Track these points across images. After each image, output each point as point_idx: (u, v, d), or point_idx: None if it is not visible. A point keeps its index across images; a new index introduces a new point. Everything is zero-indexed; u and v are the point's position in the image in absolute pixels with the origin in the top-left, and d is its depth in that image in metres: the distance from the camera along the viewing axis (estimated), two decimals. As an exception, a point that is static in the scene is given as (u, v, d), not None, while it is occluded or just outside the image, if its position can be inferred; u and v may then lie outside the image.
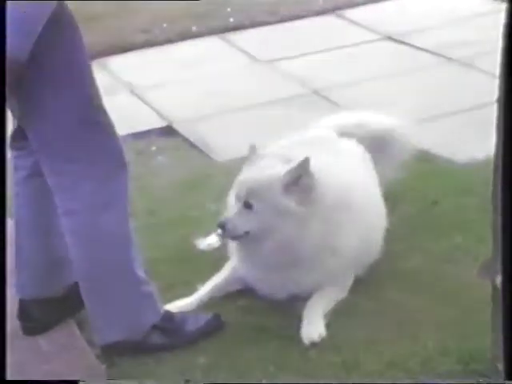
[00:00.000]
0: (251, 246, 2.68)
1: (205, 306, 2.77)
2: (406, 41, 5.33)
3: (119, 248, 2.46)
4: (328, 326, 2.62)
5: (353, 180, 2.81)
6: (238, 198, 2.65)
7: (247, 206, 2.62)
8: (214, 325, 2.60)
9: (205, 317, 2.61)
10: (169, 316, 2.56)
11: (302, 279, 2.71)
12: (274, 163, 2.69)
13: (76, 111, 2.31)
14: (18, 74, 2.14)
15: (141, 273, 2.50)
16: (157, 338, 2.51)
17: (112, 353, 2.51)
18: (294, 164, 2.60)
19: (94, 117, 2.34)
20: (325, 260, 2.70)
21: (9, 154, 2.46)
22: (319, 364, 2.46)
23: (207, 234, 3.16)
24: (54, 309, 2.50)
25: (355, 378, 2.38)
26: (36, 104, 2.29)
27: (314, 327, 2.60)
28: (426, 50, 5.11)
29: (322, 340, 2.56)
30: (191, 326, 2.57)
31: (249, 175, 2.69)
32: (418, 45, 5.22)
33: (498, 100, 1.59)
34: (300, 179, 2.59)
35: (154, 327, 2.51)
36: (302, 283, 2.71)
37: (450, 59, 4.92)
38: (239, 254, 2.79)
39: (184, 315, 2.60)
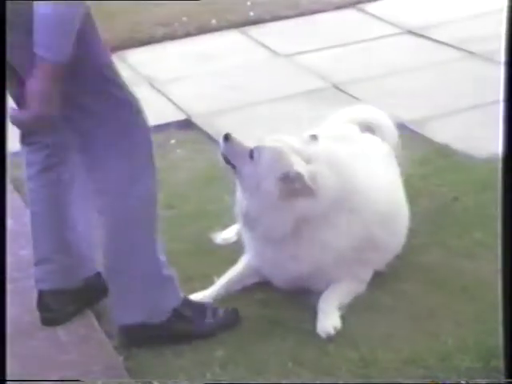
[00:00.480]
0: (242, 211, 2.72)
1: (222, 299, 2.77)
2: (427, 35, 5.30)
3: (145, 229, 2.47)
4: (346, 321, 2.62)
5: (361, 180, 2.77)
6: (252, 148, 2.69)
7: (250, 154, 2.65)
8: (231, 318, 2.61)
9: (223, 310, 2.61)
10: (189, 303, 2.57)
11: (289, 260, 2.70)
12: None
13: (98, 93, 2.31)
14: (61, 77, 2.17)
15: (162, 257, 2.51)
16: (177, 324, 2.51)
17: (129, 336, 2.52)
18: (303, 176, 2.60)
19: (117, 95, 2.35)
20: (323, 238, 2.69)
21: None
22: (337, 360, 2.45)
23: (225, 227, 3.17)
24: (73, 300, 2.51)
25: (373, 374, 2.37)
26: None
27: (329, 320, 2.60)
28: (447, 44, 5.08)
29: (340, 335, 2.55)
30: (210, 318, 2.57)
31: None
32: (438, 39, 5.20)
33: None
34: (298, 184, 2.60)
35: (175, 312, 2.51)
36: (296, 261, 2.70)
37: (471, 53, 4.89)
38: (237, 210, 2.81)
39: (203, 305, 2.60)
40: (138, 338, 2.52)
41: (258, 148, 2.66)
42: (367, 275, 2.79)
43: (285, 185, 2.59)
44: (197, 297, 2.75)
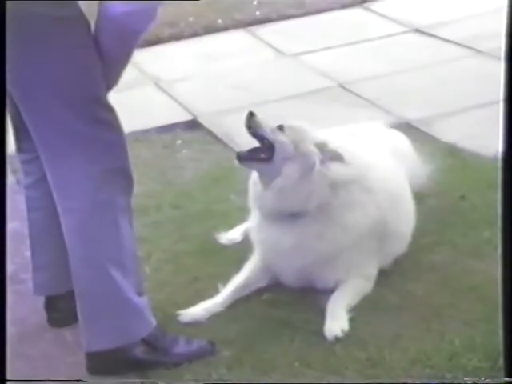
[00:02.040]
0: (261, 187, 2.70)
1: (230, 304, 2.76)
2: (434, 33, 5.30)
3: (113, 254, 2.41)
4: (353, 320, 2.61)
5: (377, 167, 2.82)
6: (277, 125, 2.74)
7: (280, 128, 2.71)
8: (206, 350, 2.52)
9: (198, 341, 2.53)
10: (160, 334, 2.49)
11: (305, 245, 2.70)
12: None
13: (77, 109, 2.28)
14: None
15: (136, 283, 2.45)
16: (141, 353, 2.45)
17: (97, 362, 2.46)
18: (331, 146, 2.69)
19: (96, 115, 2.31)
20: (327, 229, 2.70)
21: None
22: (344, 360, 2.45)
23: (231, 227, 3.17)
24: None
25: (380, 374, 2.37)
26: (35, 98, 2.27)
27: (337, 322, 2.60)
28: (454, 43, 5.08)
29: (347, 335, 2.55)
30: (181, 349, 2.50)
31: None
32: (445, 37, 5.19)
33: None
34: (327, 151, 2.67)
35: (143, 341, 2.45)
36: (306, 252, 2.71)
37: (478, 51, 4.88)
38: (252, 206, 2.82)
39: (177, 337, 2.53)
40: (105, 365, 2.45)
41: (286, 124, 2.71)
42: (373, 272, 2.78)
43: (320, 150, 2.65)
44: (205, 305, 2.72)
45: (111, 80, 2.38)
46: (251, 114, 2.68)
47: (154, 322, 2.49)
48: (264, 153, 2.66)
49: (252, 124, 2.68)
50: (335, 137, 2.81)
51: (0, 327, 1.89)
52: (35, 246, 2.69)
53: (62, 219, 2.40)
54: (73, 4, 2.23)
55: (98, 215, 2.35)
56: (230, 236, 3.15)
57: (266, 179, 2.67)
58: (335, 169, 2.66)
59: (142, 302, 2.46)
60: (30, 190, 2.63)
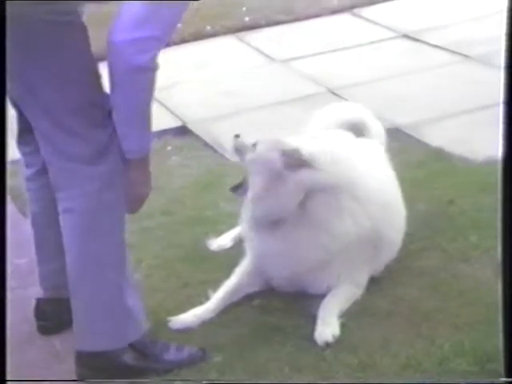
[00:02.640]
0: (246, 202, 2.77)
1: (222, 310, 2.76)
2: (422, 39, 5.32)
3: (112, 254, 2.42)
4: (344, 326, 2.62)
5: (364, 174, 2.81)
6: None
7: (254, 145, 2.78)
8: (197, 357, 2.51)
9: (189, 348, 2.53)
10: (150, 340, 2.49)
11: (292, 251, 2.72)
12: None
13: (77, 110, 2.29)
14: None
15: (129, 288, 2.45)
16: (130, 359, 2.44)
17: (86, 366, 2.45)
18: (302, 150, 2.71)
19: (94, 117, 2.32)
20: (316, 236, 2.71)
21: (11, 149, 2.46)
22: (335, 365, 2.45)
23: (221, 233, 3.17)
24: (68, 309, 2.50)
25: (371, 378, 2.37)
26: (37, 101, 2.29)
27: (327, 327, 2.60)
28: (443, 48, 5.10)
29: (338, 341, 2.55)
30: (172, 356, 2.49)
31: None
32: (434, 43, 5.21)
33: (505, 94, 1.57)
34: (299, 156, 2.68)
35: (131, 346, 2.45)
36: (294, 259, 2.72)
37: (466, 57, 4.91)
38: (243, 218, 2.85)
39: (168, 344, 2.52)
40: (94, 370, 2.44)
41: (259, 140, 2.77)
42: (364, 279, 2.79)
43: (287, 158, 2.66)
44: (196, 312, 2.71)
45: None
46: (236, 136, 2.85)
47: (144, 327, 2.49)
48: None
49: (236, 147, 2.85)
50: (321, 143, 2.82)
51: (0, 327, 1.91)
52: (38, 238, 2.69)
53: (61, 219, 2.40)
54: (73, 12, 2.24)
55: (100, 216, 2.36)
56: (220, 242, 3.16)
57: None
58: (308, 175, 2.67)
59: (138, 306, 2.46)
60: (31, 181, 2.63)
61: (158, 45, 2.23)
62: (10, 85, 2.34)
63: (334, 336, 2.57)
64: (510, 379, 1.68)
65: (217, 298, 2.77)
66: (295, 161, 2.67)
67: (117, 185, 2.38)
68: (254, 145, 2.76)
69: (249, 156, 2.76)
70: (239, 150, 2.83)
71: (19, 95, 2.34)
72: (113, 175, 2.36)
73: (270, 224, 2.72)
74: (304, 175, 2.67)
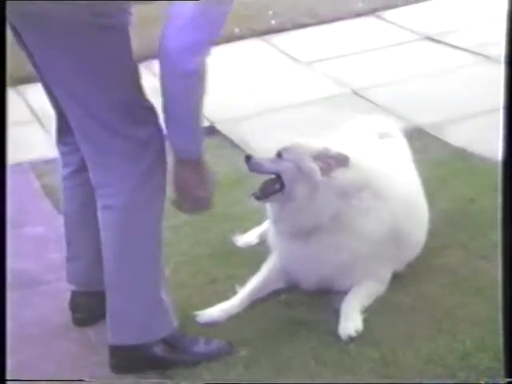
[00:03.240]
0: (276, 212, 2.72)
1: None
2: (445, 40, 5.29)
3: (147, 251, 2.42)
4: (367, 321, 2.61)
5: (387, 173, 2.80)
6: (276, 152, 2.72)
7: (278, 155, 2.69)
8: (224, 350, 2.51)
9: (217, 342, 2.53)
10: (179, 334, 2.50)
11: (323, 257, 2.69)
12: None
13: (118, 109, 2.30)
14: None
15: (163, 283, 2.46)
16: (161, 351, 2.45)
17: (119, 358, 2.47)
18: (332, 150, 2.66)
19: (135, 115, 2.33)
20: (345, 239, 2.68)
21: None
22: (358, 359, 2.44)
23: (247, 230, 3.18)
24: (103, 302, 2.52)
25: (394, 373, 2.36)
26: (79, 101, 2.30)
27: (351, 322, 2.59)
28: (464, 49, 5.07)
29: (361, 335, 2.54)
30: (200, 349, 2.50)
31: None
32: (456, 44, 5.18)
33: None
34: (331, 159, 2.64)
35: (162, 339, 2.45)
36: (323, 262, 2.70)
37: (487, 57, 4.87)
38: (271, 227, 2.82)
39: (196, 337, 2.53)
40: (126, 362, 2.46)
41: (283, 148, 2.69)
42: (387, 276, 2.77)
43: (320, 161, 2.63)
44: (223, 307, 2.71)
45: None
46: (247, 158, 2.70)
47: (175, 322, 2.50)
48: (274, 185, 2.67)
49: (251, 167, 2.70)
50: (342, 142, 2.80)
51: (0, 328, 1.84)
52: (69, 236, 2.71)
53: (99, 215, 2.41)
54: (113, 14, 2.24)
55: (135, 214, 2.36)
56: (246, 239, 3.16)
57: (281, 203, 2.68)
58: (340, 176, 2.64)
59: (169, 302, 2.47)
60: (67, 180, 2.64)
61: (210, 47, 2.23)
62: (49, 86, 2.37)
63: (356, 331, 2.55)
64: (510, 379, 1.64)
65: (243, 293, 2.76)
66: (327, 164, 2.63)
67: (155, 182, 2.38)
68: (279, 154, 2.69)
69: (282, 166, 2.66)
70: (257, 167, 2.70)
71: (61, 96, 2.35)
72: (152, 173, 2.36)
73: (305, 232, 2.69)
74: (339, 177, 2.64)
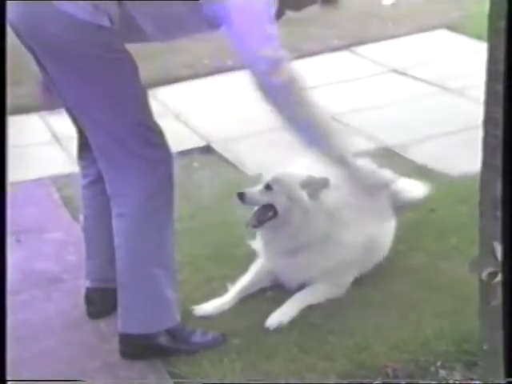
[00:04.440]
0: (269, 234, 2.69)
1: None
2: (409, 73, 5.32)
3: (156, 253, 2.42)
4: (343, 314, 2.61)
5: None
6: (263, 183, 2.66)
7: (268, 187, 2.63)
8: (219, 340, 2.51)
9: (213, 333, 2.53)
10: (181, 326, 2.50)
11: (311, 266, 2.69)
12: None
13: (131, 131, 2.30)
14: None
15: (170, 282, 2.45)
16: (164, 341, 2.44)
17: (128, 346, 2.46)
18: (315, 176, 2.63)
19: (146, 137, 2.33)
20: (331, 250, 2.67)
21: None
22: (335, 347, 2.45)
23: (239, 236, 3.14)
24: (113, 297, 2.53)
25: (366, 358, 2.37)
26: (96, 123, 2.31)
27: (281, 315, 2.58)
28: (425, 81, 5.10)
29: (339, 326, 2.54)
30: (198, 339, 2.49)
31: (276, 171, 2.71)
32: (418, 76, 5.21)
33: (484, 123, 1.59)
34: (316, 184, 2.62)
35: (167, 331, 2.45)
36: (310, 270, 2.69)
37: (445, 89, 4.91)
38: (262, 244, 2.78)
39: (194, 329, 2.52)
40: (134, 350, 2.46)
41: (272, 180, 2.65)
42: (348, 280, 2.75)
43: (307, 188, 2.60)
44: (215, 304, 2.69)
45: None
46: (241, 195, 2.63)
47: (178, 316, 2.49)
48: (268, 212, 2.62)
49: (246, 202, 2.65)
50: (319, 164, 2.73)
51: (0, 328, 1.75)
52: (87, 238, 2.70)
53: (114, 222, 2.40)
54: (121, 48, 2.25)
55: (146, 222, 2.36)
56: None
57: (274, 227, 2.65)
58: (325, 197, 2.63)
59: (174, 297, 2.47)
60: (85, 189, 2.64)
61: (285, 57, 2.18)
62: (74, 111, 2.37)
63: (280, 323, 2.55)
64: (510, 379, 1.61)
65: (234, 291, 2.75)
66: (313, 189, 2.61)
67: (164, 195, 2.38)
68: (269, 186, 2.63)
69: (274, 198, 2.61)
70: (251, 201, 2.64)
71: (81, 119, 2.37)
72: (161, 186, 2.36)
73: (297, 248, 2.67)
74: (324, 198, 2.63)
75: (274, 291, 2.79)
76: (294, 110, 2.22)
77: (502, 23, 1.46)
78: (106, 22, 2.15)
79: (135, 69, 2.31)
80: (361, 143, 3.95)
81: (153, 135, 2.34)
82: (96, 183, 2.56)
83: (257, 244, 2.89)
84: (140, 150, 2.31)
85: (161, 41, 2.47)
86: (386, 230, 2.89)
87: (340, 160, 2.35)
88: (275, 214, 2.62)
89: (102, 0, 2.15)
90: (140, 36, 2.29)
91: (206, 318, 2.66)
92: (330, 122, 2.32)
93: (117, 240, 2.41)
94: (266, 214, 2.63)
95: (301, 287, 2.74)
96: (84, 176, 2.64)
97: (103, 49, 2.19)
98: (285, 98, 2.20)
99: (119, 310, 2.46)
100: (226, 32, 2.22)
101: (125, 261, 2.41)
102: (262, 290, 2.81)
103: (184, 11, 2.23)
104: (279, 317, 2.58)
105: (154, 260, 2.41)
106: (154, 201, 2.35)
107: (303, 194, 2.61)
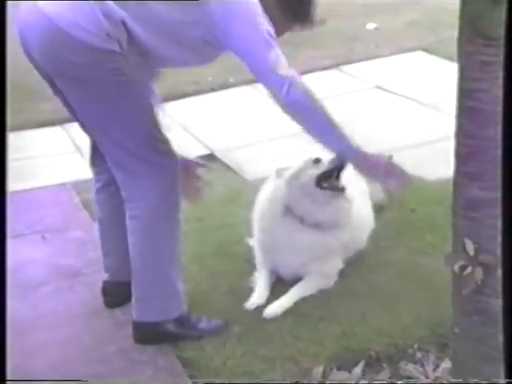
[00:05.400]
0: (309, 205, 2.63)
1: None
2: (390, 89, 5.33)
3: (166, 251, 2.42)
4: (332, 304, 2.62)
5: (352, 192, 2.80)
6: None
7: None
8: (222, 327, 2.51)
9: (216, 321, 2.53)
10: (188, 315, 2.50)
11: (310, 248, 2.68)
12: None
13: (141, 142, 2.30)
14: None
15: (178, 274, 2.45)
16: (172, 327, 2.44)
17: (141, 332, 2.47)
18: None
19: (155, 146, 2.33)
20: (334, 233, 2.67)
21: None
22: (325, 333, 2.46)
23: (240, 235, 3.16)
24: (128, 289, 2.53)
25: (352, 343, 2.38)
26: (109, 137, 2.31)
27: (276, 307, 2.58)
28: (405, 96, 5.11)
29: (328, 315, 2.54)
30: (203, 326, 2.49)
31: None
32: (398, 92, 5.22)
33: (455, 134, 1.60)
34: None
35: (175, 319, 2.45)
36: (307, 253, 2.69)
37: (422, 104, 4.91)
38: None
39: (200, 317, 2.52)
40: (146, 335, 2.46)
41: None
42: (335, 272, 2.75)
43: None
44: (256, 301, 2.64)
45: None
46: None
47: (185, 306, 2.50)
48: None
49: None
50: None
51: (0, 328, 1.66)
52: (103, 237, 2.70)
53: (128, 222, 2.39)
54: (131, 71, 2.25)
55: (157, 223, 2.36)
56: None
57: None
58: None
59: (181, 289, 2.47)
60: (99, 193, 2.64)
61: (295, 73, 2.20)
62: (83, 125, 2.38)
63: (275, 313, 2.54)
64: (509, 379, 1.58)
65: (258, 290, 2.70)
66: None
67: (173, 198, 2.37)
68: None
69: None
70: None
71: (94, 133, 2.37)
72: (170, 191, 2.35)
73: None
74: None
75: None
76: (312, 118, 2.26)
77: (471, 47, 1.48)
78: (116, 48, 2.15)
79: (144, 88, 2.32)
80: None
81: (161, 145, 2.34)
82: (108, 186, 2.55)
83: (253, 241, 2.89)
84: (150, 158, 2.31)
85: (170, 68, 2.48)
86: (366, 224, 2.89)
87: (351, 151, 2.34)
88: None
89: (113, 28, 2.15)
90: (149, 62, 2.29)
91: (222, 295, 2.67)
92: (341, 125, 2.34)
93: (131, 239, 2.41)
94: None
95: (295, 277, 2.74)
96: (97, 181, 2.64)
97: (114, 72, 2.18)
98: (303, 111, 2.24)
99: (133, 300, 2.47)
100: (238, 58, 2.22)
101: (139, 257, 2.41)
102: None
103: (191, 45, 2.23)
104: (276, 308, 2.58)
105: (164, 257, 2.41)
106: (164, 203, 2.35)
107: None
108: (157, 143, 2.33)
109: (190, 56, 2.31)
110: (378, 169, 2.34)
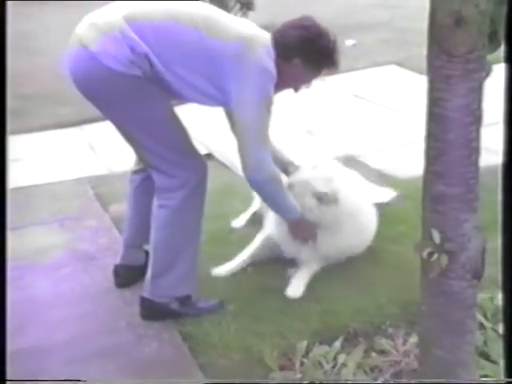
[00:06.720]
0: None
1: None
2: (366, 98, 5.34)
3: (186, 240, 2.42)
4: (315, 286, 2.62)
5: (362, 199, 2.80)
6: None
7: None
8: (218, 306, 2.52)
9: (213, 300, 2.53)
10: (189, 296, 2.50)
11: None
12: None
13: (172, 147, 2.32)
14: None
15: (194, 261, 2.46)
16: (175, 306, 2.45)
17: (147, 310, 2.47)
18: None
19: (184, 150, 2.36)
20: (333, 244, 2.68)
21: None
22: (307, 310, 2.47)
23: (235, 225, 3.18)
24: (137, 272, 2.52)
25: (332, 320, 2.39)
26: (143, 147, 2.35)
27: (296, 288, 2.60)
28: (380, 104, 5.12)
29: (311, 295, 2.56)
30: (202, 304, 2.50)
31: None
32: (374, 101, 5.23)
33: (425, 138, 1.62)
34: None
35: (176, 298, 2.45)
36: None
37: (395, 111, 4.92)
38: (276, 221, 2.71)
39: (199, 299, 2.52)
40: (152, 312, 2.46)
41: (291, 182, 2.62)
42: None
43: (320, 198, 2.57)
44: (226, 268, 2.70)
45: None
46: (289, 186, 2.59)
47: (193, 289, 2.50)
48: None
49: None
50: (332, 177, 2.63)
51: (0, 328, 1.56)
52: (127, 229, 2.69)
53: (155, 211, 2.39)
54: (153, 91, 2.25)
55: (184, 212, 2.37)
56: (237, 224, 3.13)
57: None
58: (328, 210, 2.58)
59: (195, 274, 2.48)
60: (134, 174, 2.63)
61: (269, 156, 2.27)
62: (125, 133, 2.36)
63: (298, 293, 2.57)
64: (510, 379, 1.51)
65: (241, 257, 2.76)
66: (325, 200, 2.57)
67: (199, 194, 2.39)
68: (291, 186, 2.57)
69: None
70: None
71: (132, 146, 2.39)
72: (197, 188, 2.37)
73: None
74: (326, 211, 2.59)
75: (261, 267, 2.78)
76: (272, 197, 2.39)
77: (437, 62, 1.50)
78: (138, 73, 2.17)
79: (167, 101, 2.33)
80: (331, 152, 3.96)
81: (188, 149, 2.37)
82: (141, 187, 2.58)
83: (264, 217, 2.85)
84: (179, 160, 2.33)
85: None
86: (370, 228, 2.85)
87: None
88: None
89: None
90: (168, 93, 2.29)
91: (219, 278, 2.68)
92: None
93: (155, 224, 2.40)
94: None
95: (291, 252, 2.72)
96: (131, 181, 2.63)
97: (137, 94, 2.21)
98: (264, 190, 2.34)
99: (148, 279, 2.45)
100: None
101: (161, 242, 2.40)
102: (254, 265, 2.78)
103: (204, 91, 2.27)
104: (293, 291, 2.58)
105: (184, 244, 2.41)
106: (190, 199, 2.36)
107: (314, 204, 2.56)
108: (185, 148, 2.36)
109: (206, 102, 2.37)
110: (301, 230, 2.52)
